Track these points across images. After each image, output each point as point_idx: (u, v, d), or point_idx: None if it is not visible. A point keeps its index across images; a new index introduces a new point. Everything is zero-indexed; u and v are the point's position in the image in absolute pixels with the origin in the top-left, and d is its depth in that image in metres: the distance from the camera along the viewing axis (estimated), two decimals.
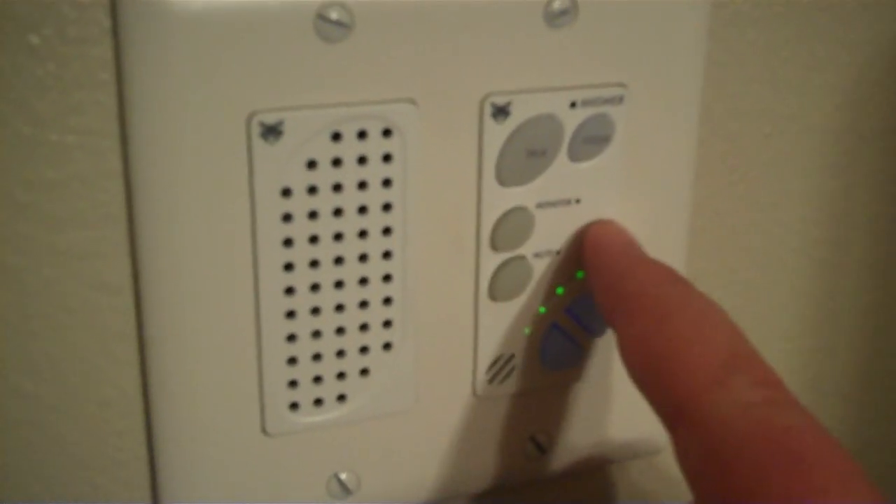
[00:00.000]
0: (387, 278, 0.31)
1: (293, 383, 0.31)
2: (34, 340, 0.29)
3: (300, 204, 0.29)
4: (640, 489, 0.40)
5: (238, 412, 0.31)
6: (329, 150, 0.29)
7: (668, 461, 0.37)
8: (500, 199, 0.31)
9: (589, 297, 0.32)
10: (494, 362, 0.33)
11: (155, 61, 0.27)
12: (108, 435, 0.31)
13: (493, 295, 0.32)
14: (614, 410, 0.36)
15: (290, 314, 0.30)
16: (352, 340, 0.31)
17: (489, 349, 0.33)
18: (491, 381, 0.33)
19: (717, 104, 0.36)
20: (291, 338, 0.30)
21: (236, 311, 0.30)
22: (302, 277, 0.30)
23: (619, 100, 0.32)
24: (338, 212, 0.29)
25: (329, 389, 0.31)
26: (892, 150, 0.40)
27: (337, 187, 0.29)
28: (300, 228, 0.29)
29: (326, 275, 0.30)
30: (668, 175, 0.34)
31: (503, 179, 0.31)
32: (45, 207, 0.28)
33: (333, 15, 0.27)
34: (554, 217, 0.32)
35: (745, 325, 0.28)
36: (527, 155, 0.31)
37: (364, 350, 0.31)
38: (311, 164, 0.29)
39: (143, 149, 0.27)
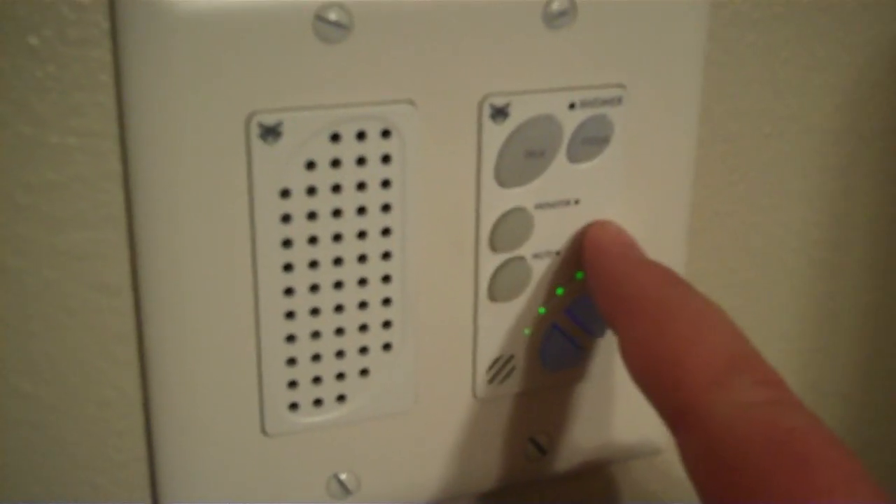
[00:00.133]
0: (386, 279, 0.31)
1: (293, 384, 0.31)
2: (34, 341, 0.29)
3: (299, 205, 0.29)
4: (642, 489, 0.40)
5: (238, 412, 0.31)
6: (328, 151, 0.29)
7: (669, 461, 0.37)
8: (500, 200, 0.31)
9: (589, 297, 0.32)
10: (494, 363, 0.33)
11: (154, 63, 0.27)
12: (107, 435, 0.31)
13: (493, 296, 0.32)
14: (614, 411, 0.36)
15: (290, 315, 0.30)
16: (351, 341, 0.31)
17: (489, 350, 0.33)
18: (491, 381, 0.34)
19: (717, 105, 0.36)
20: (291, 338, 0.30)
21: (236, 311, 0.30)
22: (301, 278, 0.30)
23: (618, 101, 0.32)
24: (337, 213, 0.29)
25: (328, 390, 0.31)
26: (892, 150, 0.40)
27: (336, 188, 0.29)
28: (299, 229, 0.29)
29: (326, 275, 0.30)
30: (667, 176, 0.34)
31: (502, 180, 0.31)
32: (46, 209, 0.28)
33: (332, 16, 0.27)
34: (553, 218, 0.32)
35: (745, 326, 0.28)
36: (526, 156, 0.31)
37: (363, 351, 0.31)
38: (310, 165, 0.29)
39: (143, 150, 0.27)
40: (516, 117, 0.30)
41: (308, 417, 0.31)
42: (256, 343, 0.30)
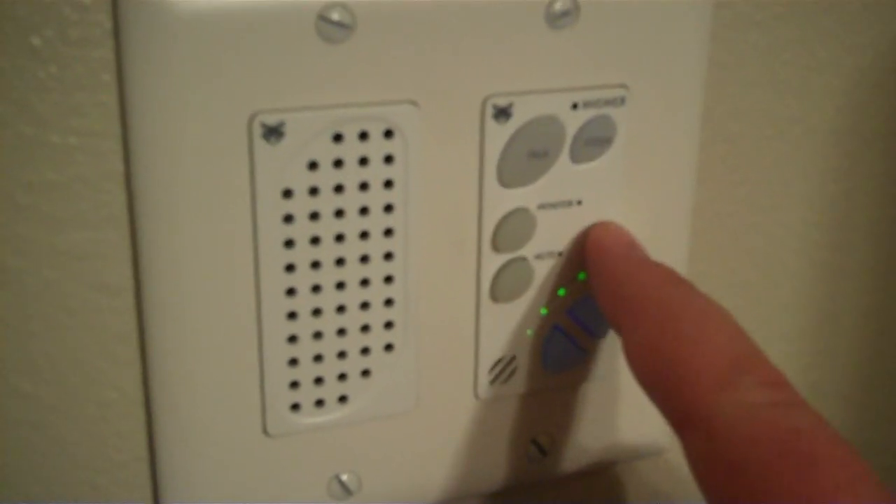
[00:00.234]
0: (388, 279, 0.31)
1: (294, 384, 0.31)
2: (35, 341, 0.29)
3: (301, 205, 0.29)
4: (645, 489, 0.40)
5: (239, 413, 0.31)
6: (330, 151, 0.29)
7: (673, 461, 0.37)
8: (502, 201, 0.31)
9: (591, 298, 0.32)
10: (496, 364, 0.33)
11: (156, 62, 0.27)
12: (108, 436, 0.31)
13: (495, 296, 0.32)
14: (617, 412, 0.36)
15: (292, 315, 0.30)
16: (353, 342, 0.31)
17: (490, 351, 0.33)
18: (492, 382, 0.33)
19: (719, 106, 0.36)
20: (293, 339, 0.30)
21: (237, 311, 0.30)
22: (303, 278, 0.30)
23: (621, 101, 0.32)
24: (339, 213, 0.29)
25: (330, 390, 0.31)
26: (894, 152, 0.40)
27: (338, 188, 0.29)
28: (301, 229, 0.29)
29: (328, 276, 0.30)
30: (669, 177, 0.34)
31: (505, 181, 0.31)
32: (46, 209, 0.28)
33: (335, 16, 0.27)
34: (555, 218, 0.32)
35: (746, 327, 0.28)
36: (528, 156, 0.31)
37: (365, 351, 0.31)
38: (313, 165, 0.29)
39: (145, 150, 0.27)
40: (519, 117, 0.30)
41: (309, 418, 0.31)
42: (258, 343, 0.30)
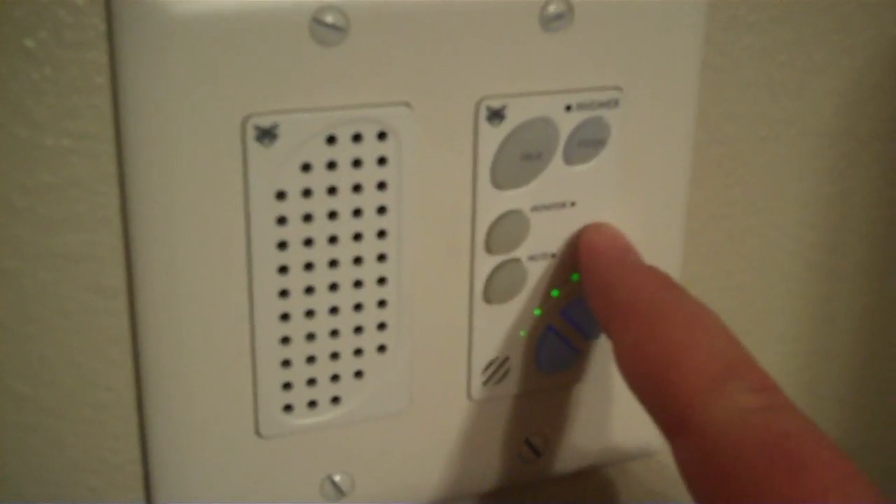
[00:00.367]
0: (381, 281, 0.31)
1: (287, 385, 0.31)
2: (30, 343, 0.29)
3: (295, 207, 0.29)
4: (637, 490, 0.40)
5: (232, 414, 0.31)
6: (324, 153, 0.29)
7: (664, 463, 0.38)
8: (495, 202, 0.31)
9: (584, 300, 0.33)
10: (489, 365, 0.33)
11: (150, 65, 0.27)
12: (103, 437, 0.31)
13: (488, 298, 0.32)
14: (610, 413, 0.36)
15: (285, 317, 0.30)
16: (346, 343, 0.31)
17: (484, 352, 0.33)
18: (486, 383, 0.34)
19: (713, 108, 0.36)
20: (286, 340, 0.30)
21: (231, 313, 0.30)
22: (296, 280, 0.30)
23: (615, 103, 0.32)
24: (332, 215, 0.29)
25: (323, 391, 0.31)
26: (889, 154, 0.41)
27: (332, 190, 0.29)
28: (295, 231, 0.29)
29: (321, 277, 0.30)
30: (663, 178, 0.34)
31: (498, 182, 0.31)
32: (41, 211, 0.28)
33: (329, 18, 0.28)
34: (549, 220, 0.32)
35: (741, 329, 0.28)
36: (522, 158, 0.31)
37: (358, 352, 0.31)
38: (306, 167, 0.29)
39: (139, 152, 0.27)
40: (512, 119, 0.31)
41: (302, 419, 0.31)
42: (251, 344, 0.30)
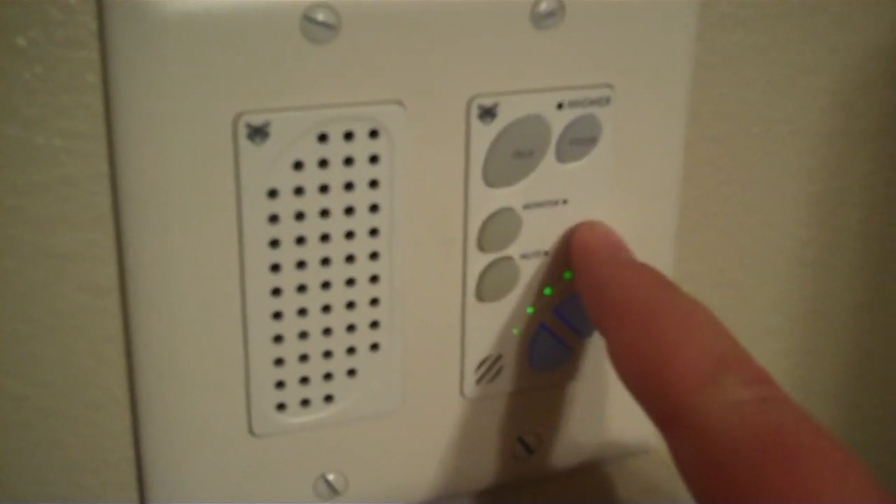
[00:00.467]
0: (374, 279, 0.31)
1: (280, 384, 0.31)
2: (22, 342, 0.29)
3: (287, 205, 0.29)
4: (632, 487, 0.40)
5: (225, 413, 0.31)
6: (316, 151, 0.29)
7: (659, 459, 0.38)
8: (488, 200, 0.31)
9: (577, 297, 0.33)
10: (482, 363, 0.33)
11: (141, 63, 0.27)
12: (97, 437, 0.31)
13: (481, 296, 0.32)
14: (603, 411, 0.36)
15: (277, 315, 0.30)
16: (339, 341, 0.31)
17: (477, 350, 0.33)
18: (479, 381, 0.34)
19: (705, 105, 0.36)
20: (278, 339, 0.30)
21: (223, 312, 0.30)
22: (289, 278, 0.30)
23: (606, 101, 0.32)
24: (324, 213, 0.29)
25: (316, 390, 0.31)
26: (881, 152, 0.41)
27: (324, 188, 0.29)
28: (287, 229, 0.29)
29: (313, 276, 0.30)
30: (655, 176, 0.34)
31: (490, 180, 0.31)
32: (33, 210, 0.28)
33: (320, 16, 0.28)
34: (541, 218, 0.32)
35: (734, 327, 0.28)
36: (514, 156, 0.31)
37: (351, 351, 0.31)
38: (298, 165, 0.29)
39: (130, 151, 0.27)
40: (504, 117, 0.31)
41: (295, 418, 0.31)
42: (244, 343, 0.30)
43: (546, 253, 0.33)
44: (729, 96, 0.37)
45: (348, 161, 0.29)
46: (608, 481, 0.40)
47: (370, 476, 0.33)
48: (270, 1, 0.27)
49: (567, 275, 0.33)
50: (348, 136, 0.29)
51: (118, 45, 0.27)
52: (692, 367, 0.27)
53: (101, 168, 0.28)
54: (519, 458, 0.35)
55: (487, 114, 0.30)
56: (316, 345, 0.31)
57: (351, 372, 0.32)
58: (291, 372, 0.31)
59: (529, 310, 0.33)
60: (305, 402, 0.31)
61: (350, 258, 0.30)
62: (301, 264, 0.30)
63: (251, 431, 0.31)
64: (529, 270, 0.33)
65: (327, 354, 0.31)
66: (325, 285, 0.30)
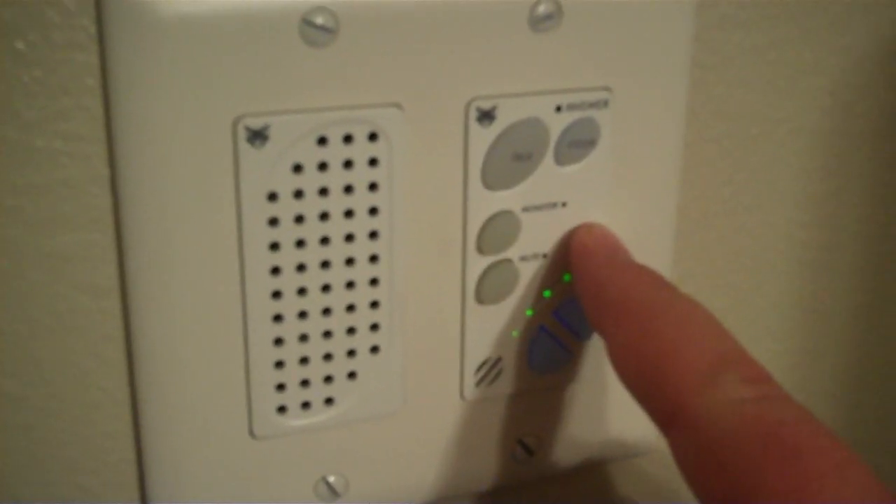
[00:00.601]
0: (374, 282, 0.31)
1: (281, 386, 0.31)
2: (22, 343, 0.29)
3: (286, 208, 0.29)
4: (632, 488, 0.40)
5: (226, 415, 0.31)
6: (315, 154, 0.29)
7: (659, 460, 0.38)
8: (486, 203, 0.31)
9: (576, 300, 0.33)
10: (482, 365, 0.33)
11: (141, 66, 0.27)
12: (96, 437, 0.31)
13: (480, 298, 0.32)
14: (602, 413, 0.36)
15: (278, 318, 0.30)
16: (339, 344, 0.31)
17: (476, 352, 0.33)
18: (478, 383, 0.34)
19: (703, 107, 0.36)
20: (279, 341, 0.30)
21: (224, 314, 0.30)
22: (289, 281, 0.30)
23: (605, 103, 0.32)
24: (324, 216, 0.29)
25: (316, 392, 0.31)
26: (880, 152, 0.41)
27: (323, 191, 0.29)
28: (286, 232, 0.29)
29: (313, 278, 0.30)
30: (654, 178, 0.34)
31: (489, 183, 0.31)
32: (33, 211, 0.28)
33: (318, 20, 0.28)
34: (540, 220, 0.32)
35: (733, 327, 0.28)
36: (512, 158, 0.31)
37: (351, 353, 0.31)
38: (297, 168, 0.29)
39: (130, 153, 0.28)
40: (503, 120, 0.31)
41: (296, 420, 0.31)
42: (244, 346, 0.30)
43: (545, 255, 0.33)
44: (728, 97, 0.37)
45: (347, 164, 0.29)
46: (608, 483, 0.40)
47: (371, 478, 0.33)
48: (269, 5, 0.27)
49: (566, 277, 0.33)
50: (347, 139, 0.29)
51: (117, 49, 0.27)
52: (691, 365, 0.27)
53: (101, 170, 0.28)
54: (519, 459, 0.35)
55: (486, 116, 0.30)
56: (316, 347, 0.31)
57: (351, 374, 0.32)
58: (292, 374, 0.31)
59: (529, 312, 0.33)
60: (306, 405, 0.31)
61: (350, 261, 0.30)
62: (301, 267, 0.30)
63: (252, 433, 0.31)
64: (529, 273, 0.33)
65: (327, 357, 0.31)
66: (325, 288, 0.30)
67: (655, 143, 0.33)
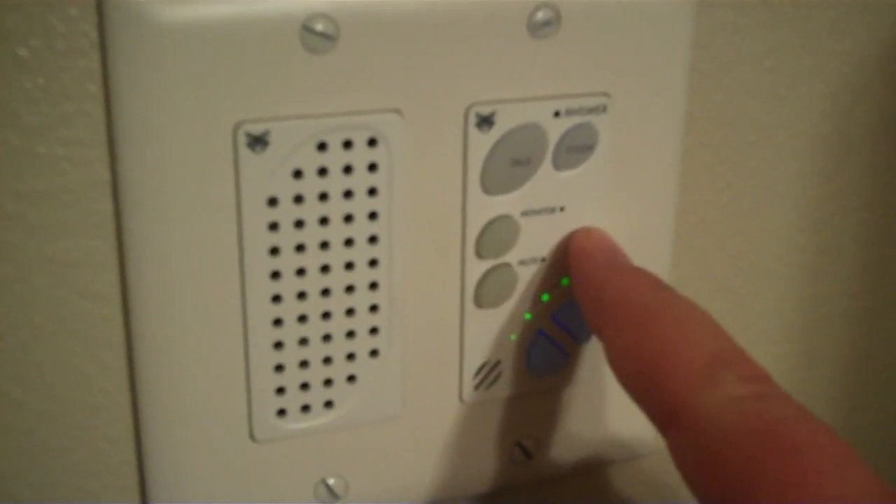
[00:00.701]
0: (373, 286, 0.31)
1: (281, 390, 0.31)
2: (24, 348, 0.29)
3: (286, 213, 0.29)
4: (631, 490, 0.41)
5: (226, 418, 0.31)
6: (315, 160, 0.29)
7: (658, 462, 0.38)
8: (485, 208, 0.32)
9: (574, 303, 0.33)
10: (481, 368, 0.34)
11: (142, 73, 0.27)
12: (97, 440, 0.31)
13: (479, 302, 0.33)
14: (601, 415, 0.36)
15: (278, 322, 0.30)
16: (339, 347, 0.31)
17: (475, 355, 0.33)
18: (477, 387, 0.34)
19: (702, 112, 0.36)
20: (279, 345, 0.31)
21: (224, 318, 0.30)
22: (289, 286, 0.30)
23: (603, 109, 0.32)
24: (324, 220, 0.30)
25: (316, 396, 0.32)
26: (877, 158, 0.41)
27: (323, 196, 0.29)
28: (286, 237, 0.29)
29: (313, 283, 0.30)
30: (652, 183, 0.34)
31: (488, 188, 0.31)
32: (35, 217, 0.28)
33: (319, 26, 0.28)
34: (539, 225, 0.32)
35: (731, 331, 0.28)
36: (511, 164, 0.31)
37: (351, 357, 0.32)
38: (298, 174, 0.29)
39: (131, 159, 0.28)
40: (502, 126, 0.31)
41: (296, 423, 0.32)
42: (244, 349, 0.30)
43: (543, 259, 0.33)
44: (725, 102, 0.37)
45: (347, 169, 0.29)
46: (607, 485, 0.40)
47: (370, 480, 0.33)
48: (269, 11, 0.27)
49: (565, 281, 0.33)
50: (347, 144, 0.29)
51: (119, 55, 0.27)
52: (690, 365, 0.27)
53: (103, 176, 0.28)
54: (517, 462, 0.36)
55: (485, 122, 0.31)
56: (316, 351, 0.31)
57: (351, 378, 0.32)
58: (292, 378, 0.31)
59: (527, 316, 0.34)
60: (306, 408, 0.32)
61: (349, 265, 0.30)
62: (301, 271, 0.30)
63: (252, 437, 0.31)
64: (527, 277, 0.33)
65: (327, 360, 0.31)
66: (325, 292, 0.30)
67: (654, 149, 0.33)
